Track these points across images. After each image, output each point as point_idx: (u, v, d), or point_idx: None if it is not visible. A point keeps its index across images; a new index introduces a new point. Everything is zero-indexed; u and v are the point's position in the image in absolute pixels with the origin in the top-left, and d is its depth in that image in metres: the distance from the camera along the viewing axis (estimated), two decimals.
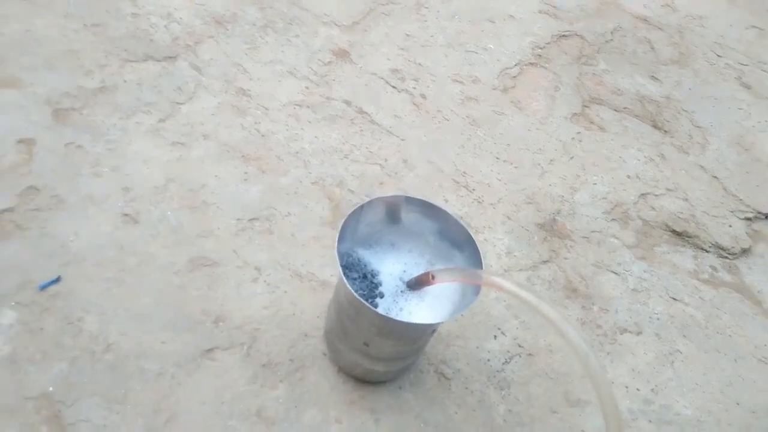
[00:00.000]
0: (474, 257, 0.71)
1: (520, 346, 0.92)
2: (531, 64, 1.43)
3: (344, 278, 0.65)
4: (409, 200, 0.74)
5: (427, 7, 1.54)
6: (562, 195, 1.17)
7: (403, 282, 0.75)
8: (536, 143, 1.26)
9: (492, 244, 1.05)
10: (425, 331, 0.71)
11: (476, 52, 1.45)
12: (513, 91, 1.38)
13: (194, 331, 0.81)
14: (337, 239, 0.67)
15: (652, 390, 0.92)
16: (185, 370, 0.77)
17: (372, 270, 0.75)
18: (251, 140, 1.10)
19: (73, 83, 1.08)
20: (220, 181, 1.01)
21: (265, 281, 0.89)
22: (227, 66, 1.22)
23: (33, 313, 0.77)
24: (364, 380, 0.80)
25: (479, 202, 1.12)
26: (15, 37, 1.10)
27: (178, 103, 1.12)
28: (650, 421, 0.88)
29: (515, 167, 1.21)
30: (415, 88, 1.32)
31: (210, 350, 0.80)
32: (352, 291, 0.65)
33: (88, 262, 0.85)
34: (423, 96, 1.30)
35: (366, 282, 0.73)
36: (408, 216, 0.76)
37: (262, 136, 1.11)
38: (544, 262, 1.05)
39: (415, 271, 0.75)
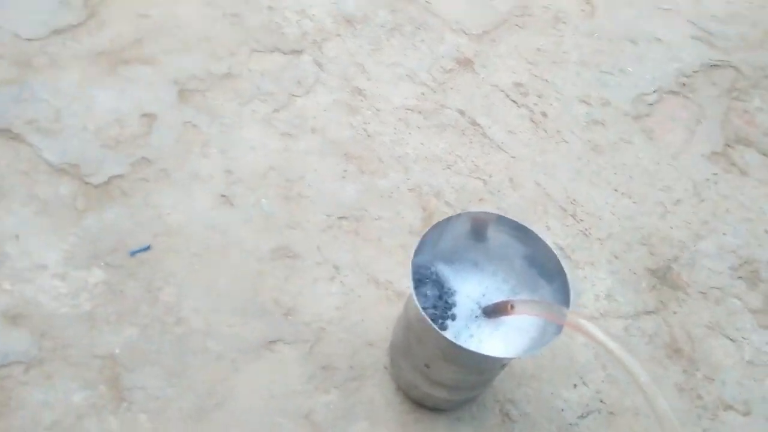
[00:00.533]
0: (562, 292, 0.64)
1: (601, 401, 0.82)
2: (672, 92, 1.29)
3: (414, 294, 0.61)
4: (501, 219, 0.68)
5: (564, 22, 1.45)
6: (683, 241, 1.04)
7: (480, 307, 0.69)
8: (663, 179, 1.13)
9: (591, 282, 0.95)
10: (492, 364, 0.65)
11: (612, 74, 1.34)
12: (647, 119, 1.25)
13: (263, 319, 0.81)
14: (414, 249, 0.63)
15: None
16: (246, 357, 0.77)
17: (449, 288, 0.70)
18: (357, 139, 1.09)
19: (203, 67, 1.14)
20: (318, 175, 1.01)
21: (341, 282, 0.87)
22: (348, 65, 1.23)
23: (119, 276, 0.81)
24: (422, 404, 0.75)
25: (585, 234, 1.02)
26: (159, 20, 1.18)
27: (294, 95, 1.14)
28: None
29: (634, 203, 1.09)
30: (536, 104, 1.24)
31: (274, 342, 0.79)
32: (420, 309, 0.61)
33: (179, 236, 0.88)
34: (543, 114, 1.22)
35: (440, 301, 0.68)
36: (497, 236, 0.70)
37: (369, 136, 1.10)
38: (649, 312, 0.93)
39: (495, 297, 0.69)
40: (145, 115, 1.03)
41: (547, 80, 1.30)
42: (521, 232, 0.68)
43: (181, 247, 0.86)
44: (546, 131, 1.19)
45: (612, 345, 0.55)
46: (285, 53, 1.22)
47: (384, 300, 0.87)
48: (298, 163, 1.02)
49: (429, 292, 0.68)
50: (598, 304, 0.92)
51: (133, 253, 0.83)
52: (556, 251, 0.97)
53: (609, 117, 1.24)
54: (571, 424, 0.79)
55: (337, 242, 0.92)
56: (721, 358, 0.90)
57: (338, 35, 1.28)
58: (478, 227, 0.71)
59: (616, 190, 1.10)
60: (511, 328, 0.67)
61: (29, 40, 1.09)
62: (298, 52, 1.22)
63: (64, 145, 0.96)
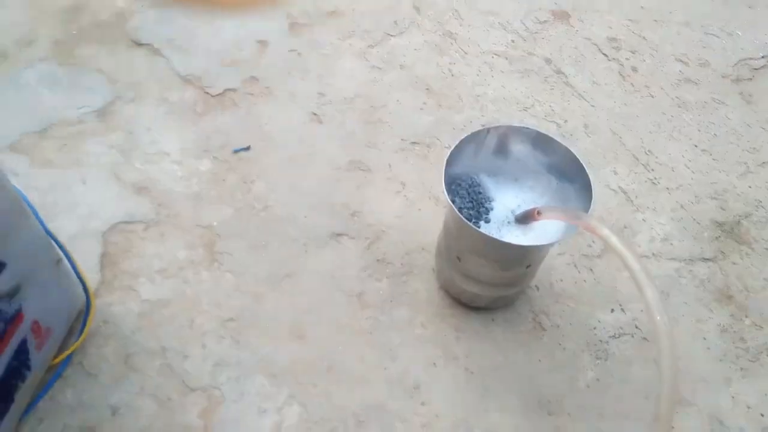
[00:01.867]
0: (588, 203, 0.70)
1: (637, 327, 0.86)
2: None
3: (445, 192, 0.70)
4: (540, 136, 0.75)
5: None
6: (760, 200, 1.02)
7: (513, 214, 0.77)
8: (752, 141, 1.11)
9: (650, 225, 0.98)
10: (512, 254, 0.72)
11: (717, 36, 1.31)
12: (747, 83, 1.22)
13: (333, 216, 0.94)
14: (449, 152, 0.72)
15: None
16: (315, 243, 0.90)
17: (487, 196, 0.78)
18: (440, 77, 1.17)
19: (314, 4, 1.28)
20: (399, 105, 1.11)
21: (405, 196, 0.98)
22: (445, 10, 1.31)
23: (223, 167, 0.98)
24: (459, 300, 0.84)
25: (654, 182, 1.04)
26: None
27: (389, 35, 1.25)
28: None
29: (714, 159, 1.08)
30: (628, 59, 1.25)
31: (340, 235, 0.92)
32: (449, 200, 0.70)
33: (274, 142, 1.02)
34: (634, 68, 1.23)
35: (476, 203, 0.77)
36: (534, 153, 0.77)
37: (452, 75, 1.18)
38: (705, 259, 0.94)
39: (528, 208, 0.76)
40: (259, 41, 1.19)
41: (644, 37, 1.30)
42: (562, 151, 0.74)
43: (274, 152, 1.01)
44: (633, 85, 1.20)
45: (616, 242, 0.61)
46: None
47: (441, 215, 0.95)
48: (383, 93, 1.13)
49: (466, 195, 0.77)
50: (652, 245, 0.95)
51: (235, 151, 0.99)
52: (619, 194, 1.01)
53: (705, 78, 1.22)
54: (601, 341, 0.84)
55: (407, 163, 1.02)
56: None
57: None
58: (516, 142, 0.77)
59: (696, 146, 1.10)
60: (539, 234, 0.74)
61: None
62: None
63: (192, 61, 1.13)
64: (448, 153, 0.72)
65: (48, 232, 0.67)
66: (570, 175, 0.74)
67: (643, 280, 0.59)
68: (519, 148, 0.78)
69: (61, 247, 0.69)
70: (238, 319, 0.82)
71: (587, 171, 0.71)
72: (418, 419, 0.76)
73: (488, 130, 0.75)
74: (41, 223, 0.66)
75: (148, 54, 1.14)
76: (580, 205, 0.73)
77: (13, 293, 0.63)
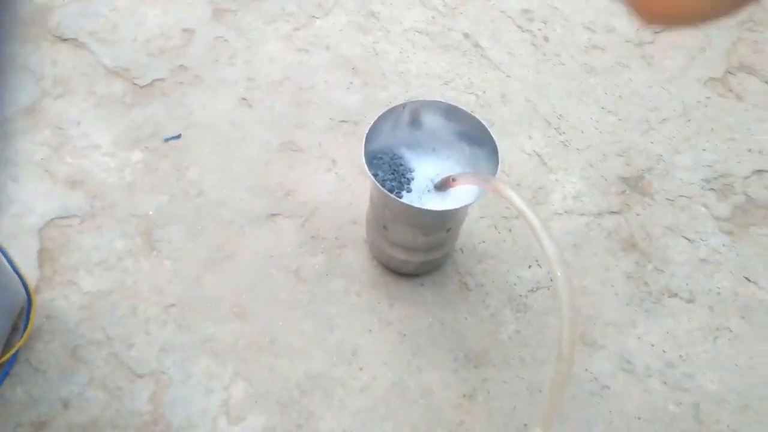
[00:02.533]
0: (495, 166, 0.77)
1: (552, 280, 0.94)
2: None
3: (365, 165, 0.76)
4: (452, 108, 0.81)
5: None
6: (661, 154, 1.12)
7: (432, 182, 0.83)
8: (653, 101, 1.21)
9: (562, 185, 1.06)
10: (430, 220, 0.79)
11: (622, 3, 1.39)
12: (649, 46, 1.31)
13: (267, 197, 0.98)
14: (368, 128, 0.77)
15: (680, 356, 0.89)
16: (251, 224, 0.95)
17: (407, 168, 0.84)
18: (365, 56, 1.22)
19: None
20: (327, 85, 1.15)
21: (336, 173, 1.03)
22: None
23: (154, 156, 1.00)
24: (389, 267, 0.91)
25: (565, 144, 1.12)
26: None
27: (314, 17, 1.28)
28: (664, 383, 0.86)
29: (619, 119, 1.17)
30: (540, 30, 1.32)
31: (274, 215, 0.96)
32: (369, 173, 0.75)
33: (205, 129, 1.05)
34: (546, 38, 1.31)
35: (397, 175, 0.83)
36: (448, 124, 0.83)
37: (376, 54, 1.22)
38: (612, 212, 1.03)
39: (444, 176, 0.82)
40: (185, 30, 1.20)
41: (556, 8, 1.37)
42: (471, 120, 0.81)
43: (205, 138, 1.04)
44: (545, 54, 1.28)
45: (520, 203, 0.67)
46: None
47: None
48: (310, 74, 1.16)
49: (388, 168, 0.82)
50: (564, 203, 1.04)
51: (166, 140, 1.02)
52: (534, 157, 1.09)
53: (611, 43, 1.30)
54: (520, 296, 0.92)
55: (336, 141, 1.07)
56: (674, 255, 1.00)
57: None
58: (430, 115, 0.83)
59: (602, 108, 1.19)
60: (455, 200, 0.80)
61: None
62: None
63: (118, 52, 1.14)
64: (366, 129, 0.77)
65: None
66: (479, 141, 0.81)
67: (542, 234, 0.66)
68: (433, 120, 0.84)
69: None
70: (179, 303, 0.86)
71: (493, 136, 0.78)
72: (356, 383, 0.83)
73: (404, 106, 0.81)
74: None
75: (73, 48, 1.14)
76: (489, 169, 0.79)
77: None
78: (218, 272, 0.90)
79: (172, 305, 0.86)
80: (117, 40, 1.17)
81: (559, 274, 0.65)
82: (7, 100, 0.42)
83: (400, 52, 1.24)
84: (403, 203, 0.74)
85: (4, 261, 0.74)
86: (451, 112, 0.82)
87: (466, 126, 0.82)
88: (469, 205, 0.76)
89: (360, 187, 1.02)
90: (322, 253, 0.94)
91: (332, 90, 1.15)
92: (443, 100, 0.81)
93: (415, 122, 0.84)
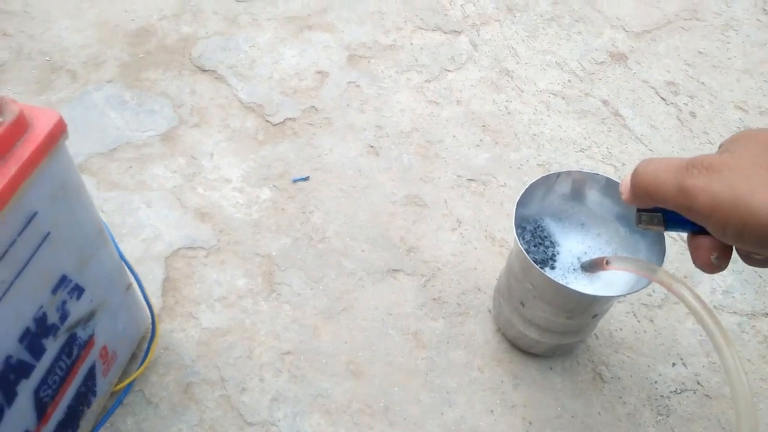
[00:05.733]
0: (659, 257, 0.69)
1: (699, 383, 0.84)
2: None
3: (515, 234, 0.70)
4: (610, 183, 0.74)
5: (735, 30, 1.41)
6: None
7: (579, 261, 0.76)
8: None
9: (711, 277, 0.96)
10: (580, 303, 0.71)
11: None
12: None
13: (389, 251, 0.94)
14: (519, 196, 0.72)
15: None
16: (371, 278, 0.90)
17: (553, 240, 0.78)
18: (497, 114, 1.17)
19: (372, 37, 1.30)
20: (455, 141, 1.12)
21: (461, 233, 0.98)
22: (501, 48, 1.31)
23: (282, 196, 0.99)
24: (517, 345, 0.83)
25: None
26: None
27: (446, 70, 1.26)
28: None
29: None
30: (686, 104, 1.24)
31: (396, 270, 0.92)
32: (520, 246, 0.69)
33: (332, 173, 1.03)
34: (692, 114, 1.22)
35: (542, 248, 0.76)
36: (604, 200, 0.76)
37: (509, 113, 1.18)
38: None
39: (596, 256, 0.75)
40: (319, 72, 1.21)
41: (702, 83, 1.29)
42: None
43: (332, 182, 1.02)
44: (692, 131, 1.19)
45: (694, 302, 0.59)
46: (445, 32, 1.33)
47: (497, 255, 0.95)
48: (439, 128, 1.13)
49: (531, 238, 0.76)
50: (713, 297, 0.93)
51: (294, 181, 1.00)
52: (678, 242, 0.99)
53: (764, 125, 1.20)
54: (662, 396, 0.82)
55: (462, 200, 1.02)
56: None
57: (497, 20, 1.38)
58: (586, 188, 0.77)
59: None
60: (605, 284, 0.73)
61: (238, 1, 1.32)
62: (456, 33, 1.34)
63: (254, 88, 1.16)
64: (519, 195, 0.72)
65: (123, 258, 0.68)
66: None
67: (721, 343, 0.57)
68: (588, 194, 0.77)
69: (133, 272, 0.70)
70: (295, 352, 0.82)
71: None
72: None
73: (558, 175, 0.75)
74: (117, 248, 0.68)
75: (212, 80, 1.17)
76: (650, 257, 0.71)
77: (88, 318, 0.64)
78: (336, 324, 0.85)
79: (288, 353, 0.82)
80: (254, 76, 1.19)
81: (740, 391, 0.56)
82: None
83: (534, 114, 1.19)
84: (555, 282, 0.67)
85: (136, 287, 0.73)
86: (610, 188, 0.75)
87: (626, 206, 0.74)
88: (631, 294, 0.68)
89: (486, 252, 0.96)
90: (443, 318, 0.88)
91: (461, 146, 1.11)
92: (603, 174, 0.74)
93: (568, 193, 0.78)
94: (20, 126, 0.51)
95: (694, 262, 0.47)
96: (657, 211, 0.49)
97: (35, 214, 0.53)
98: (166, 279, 0.87)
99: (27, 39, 1.22)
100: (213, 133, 1.08)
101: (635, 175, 0.45)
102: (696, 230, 0.46)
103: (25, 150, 0.50)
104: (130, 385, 0.74)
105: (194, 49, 1.23)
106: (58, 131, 0.53)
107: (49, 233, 0.55)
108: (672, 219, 0.48)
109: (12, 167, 0.49)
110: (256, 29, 1.28)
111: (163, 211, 0.94)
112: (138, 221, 0.92)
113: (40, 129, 0.52)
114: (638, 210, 0.51)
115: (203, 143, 1.06)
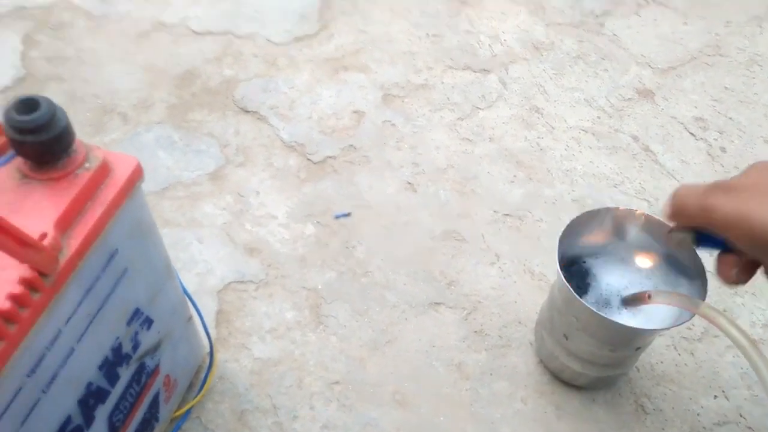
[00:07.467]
0: (700, 291, 0.71)
1: (741, 416, 0.84)
2: None
3: (559, 269, 0.73)
4: (650, 219, 0.77)
5: (760, 65, 1.44)
6: None
7: (620, 296, 0.78)
8: None
9: (750, 310, 0.97)
10: (624, 336, 0.73)
11: None
12: None
13: (430, 284, 0.97)
14: (561, 232, 0.74)
15: None
16: (414, 310, 0.93)
17: (594, 275, 0.80)
18: (529, 151, 1.21)
19: (404, 77, 1.35)
20: (490, 177, 1.15)
21: (500, 267, 1.00)
22: (530, 86, 1.36)
23: (325, 232, 1.02)
24: (559, 377, 0.85)
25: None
26: (375, 36, 1.42)
27: (478, 107, 1.30)
28: None
29: None
30: (716, 139, 1.26)
31: (437, 303, 0.95)
32: (564, 280, 0.72)
33: (373, 209, 1.07)
34: (723, 149, 1.25)
35: (582, 284, 0.79)
36: (644, 235, 0.79)
37: (541, 149, 1.22)
38: None
39: (636, 290, 0.77)
40: (355, 111, 1.26)
41: (731, 118, 1.31)
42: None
43: (372, 218, 1.05)
44: (723, 165, 1.21)
45: (738, 336, 0.61)
46: (475, 71, 1.38)
47: (536, 288, 0.98)
48: (474, 164, 1.17)
49: (574, 274, 0.79)
50: (752, 330, 0.94)
51: (337, 217, 1.04)
52: (715, 277, 1.01)
53: None
54: (705, 428, 0.83)
55: (500, 234, 1.05)
56: None
57: (525, 59, 1.42)
58: (625, 223, 0.79)
59: None
60: (647, 318, 0.75)
61: (277, 44, 1.38)
62: (486, 71, 1.38)
63: (294, 128, 1.21)
64: (561, 230, 0.75)
65: (185, 291, 0.72)
66: (680, 259, 0.76)
67: (765, 372, 0.59)
68: (628, 230, 0.80)
69: (194, 304, 0.74)
70: (343, 382, 0.85)
71: (701, 258, 0.72)
72: None
73: (598, 211, 0.78)
74: (180, 282, 0.72)
75: (255, 120, 1.23)
76: (691, 292, 0.73)
77: (155, 348, 0.68)
78: (381, 356, 0.88)
79: (336, 383, 0.84)
80: (294, 116, 1.24)
81: None
82: None
83: (566, 150, 1.22)
84: (600, 315, 0.70)
85: (197, 318, 0.77)
86: (650, 224, 0.78)
87: (665, 243, 0.77)
88: (675, 327, 0.70)
89: (525, 285, 0.98)
90: (485, 350, 0.90)
91: (496, 182, 1.15)
92: (648, 213, 0.77)
93: (608, 229, 0.80)
94: (104, 171, 0.55)
95: (717, 276, 0.56)
96: (690, 231, 0.57)
97: (116, 251, 0.57)
98: (219, 311, 0.90)
99: (80, 83, 1.29)
100: (258, 172, 1.12)
101: (672, 196, 0.56)
102: (722, 248, 0.54)
103: (108, 193, 0.55)
104: (188, 412, 0.77)
105: (236, 90, 1.29)
106: (137, 175, 0.58)
107: (126, 269, 0.59)
108: (701, 238, 0.56)
109: (98, 210, 0.53)
110: (294, 71, 1.34)
111: (214, 246, 0.99)
112: (191, 257, 0.97)
113: (120, 173, 0.56)
114: (670, 230, 0.60)
115: (249, 181, 1.10)
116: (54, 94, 1.25)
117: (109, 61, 1.35)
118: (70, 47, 1.37)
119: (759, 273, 0.56)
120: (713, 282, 1.01)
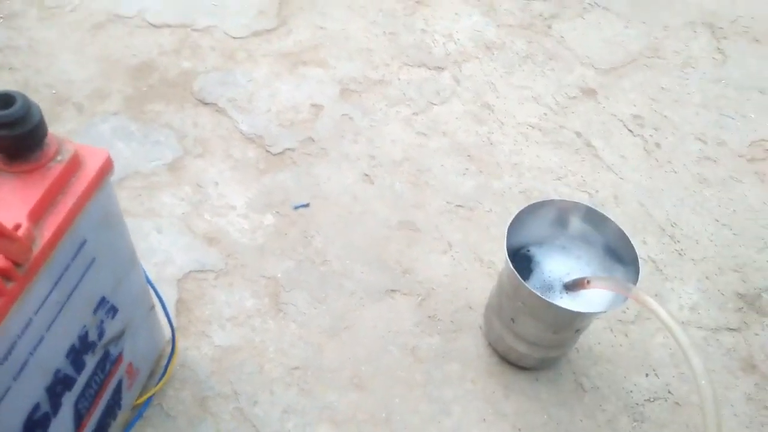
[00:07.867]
0: (634, 275, 0.78)
1: (669, 392, 0.92)
2: None
3: (508, 258, 0.78)
4: (590, 210, 0.83)
5: (693, 67, 1.54)
6: None
7: (562, 282, 0.84)
8: None
9: (678, 294, 1.05)
10: (566, 319, 0.79)
11: (732, 118, 1.41)
12: (761, 163, 1.32)
13: (386, 273, 1.01)
14: (509, 223, 0.80)
15: None
16: (371, 297, 0.97)
17: (537, 262, 0.86)
18: (480, 145, 1.27)
19: (362, 73, 1.38)
20: (443, 169, 1.20)
21: (452, 256, 1.06)
22: (482, 83, 1.42)
23: (284, 222, 1.05)
24: (507, 359, 0.91)
25: (680, 254, 1.12)
26: (333, 32, 1.45)
27: (432, 103, 1.35)
28: None
29: (734, 234, 1.17)
30: (651, 136, 1.35)
31: (393, 291, 0.99)
32: (512, 267, 0.77)
33: (330, 200, 1.10)
34: (657, 145, 1.33)
35: (527, 271, 0.84)
36: (583, 225, 0.85)
37: (491, 144, 1.28)
38: (730, 329, 1.01)
39: (577, 276, 0.83)
40: (314, 105, 1.28)
41: (665, 116, 1.40)
42: (605, 224, 0.82)
43: (330, 209, 1.09)
44: (657, 160, 1.30)
45: (665, 315, 0.68)
46: (429, 68, 1.43)
47: (486, 275, 1.03)
48: (428, 157, 1.22)
49: (520, 262, 0.84)
50: (680, 313, 1.03)
51: (295, 207, 1.07)
52: (648, 263, 1.09)
53: (722, 156, 1.32)
54: (637, 404, 0.91)
55: (452, 224, 1.10)
56: None
57: (477, 58, 1.48)
58: (567, 215, 0.86)
59: (717, 221, 1.19)
60: (586, 302, 0.81)
61: (235, 38, 1.39)
62: (440, 69, 1.43)
63: (253, 120, 1.23)
64: (509, 222, 0.80)
65: (148, 280, 0.74)
66: (616, 248, 0.82)
67: (690, 351, 0.66)
68: (570, 221, 0.86)
69: (157, 293, 0.76)
70: (302, 367, 0.88)
71: (635, 247, 0.79)
72: None
73: (543, 203, 0.83)
74: (143, 271, 0.73)
75: (213, 113, 1.24)
76: (626, 278, 0.80)
77: (119, 336, 0.69)
78: (339, 341, 0.92)
79: (296, 368, 0.88)
80: (252, 109, 1.26)
81: (707, 390, 0.64)
82: None
83: (514, 144, 1.28)
84: (545, 300, 0.75)
85: (159, 308, 0.79)
86: (590, 215, 0.84)
87: (605, 231, 0.83)
88: (612, 310, 0.77)
89: (475, 273, 1.04)
90: (438, 334, 0.95)
91: (449, 174, 1.20)
92: (589, 204, 0.83)
93: (551, 220, 0.86)
94: (75, 164, 0.57)
95: None
96: None
97: (85, 241, 0.59)
98: (179, 300, 0.92)
99: (33, 73, 1.27)
100: (217, 163, 1.14)
101: None
102: None
103: (79, 186, 0.57)
104: (150, 399, 0.79)
105: (195, 83, 1.30)
106: (107, 168, 0.60)
107: (94, 258, 0.61)
108: None
109: (69, 201, 0.55)
110: (252, 64, 1.35)
111: (173, 236, 1.00)
112: (150, 246, 0.98)
113: (91, 166, 0.58)
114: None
115: (208, 172, 1.12)
116: (6, 84, 1.23)
117: (63, 51, 1.33)
118: (21, 37, 1.34)
119: None
120: (645, 268, 1.09)
